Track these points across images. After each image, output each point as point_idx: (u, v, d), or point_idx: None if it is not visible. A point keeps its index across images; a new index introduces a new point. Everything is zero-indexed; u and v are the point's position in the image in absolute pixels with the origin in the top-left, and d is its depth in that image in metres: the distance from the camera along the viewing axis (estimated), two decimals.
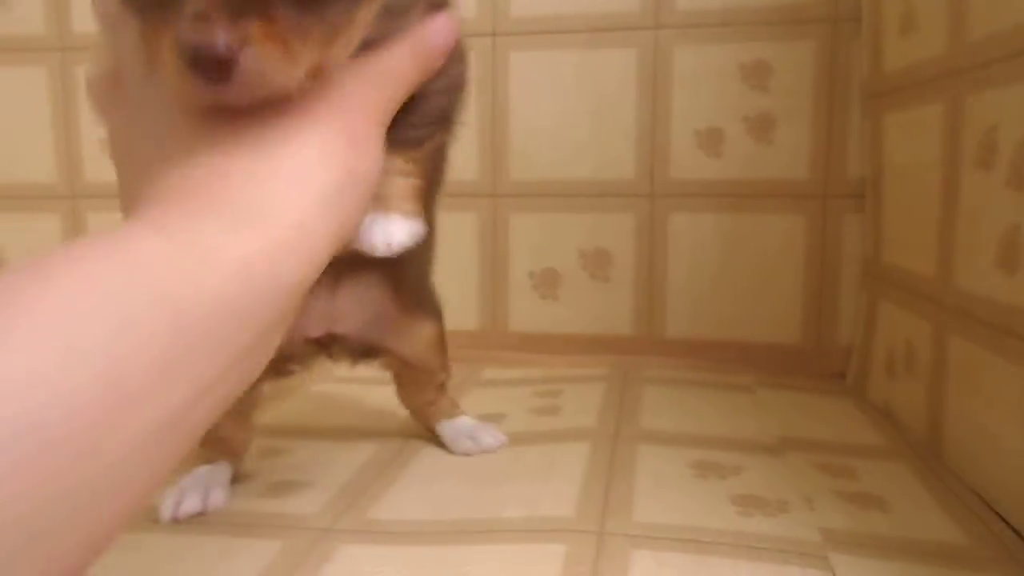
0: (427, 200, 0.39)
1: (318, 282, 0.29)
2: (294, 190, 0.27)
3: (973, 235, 0.49)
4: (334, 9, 0.26)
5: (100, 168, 0.86)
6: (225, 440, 0.46)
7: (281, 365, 0.46)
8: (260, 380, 0.32)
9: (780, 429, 0.57)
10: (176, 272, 0.23)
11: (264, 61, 0.24)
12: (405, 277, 0.47)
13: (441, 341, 0.52)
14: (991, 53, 0.47)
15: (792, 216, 0.74)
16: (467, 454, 0.52)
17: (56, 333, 0.20)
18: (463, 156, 0.75)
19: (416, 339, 0.49)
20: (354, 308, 0.45)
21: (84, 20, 0.84)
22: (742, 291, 0.76)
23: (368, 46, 0.30)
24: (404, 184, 0.35)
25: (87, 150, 0.86)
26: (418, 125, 0.34)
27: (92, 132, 0.86)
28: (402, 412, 0.56)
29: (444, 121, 0.37)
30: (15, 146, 0.88)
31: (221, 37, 0.23)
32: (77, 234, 0.87)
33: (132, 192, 0.28)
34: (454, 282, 0.65)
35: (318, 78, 0.27)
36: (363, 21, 0.28)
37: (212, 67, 0.24)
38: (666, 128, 0.75)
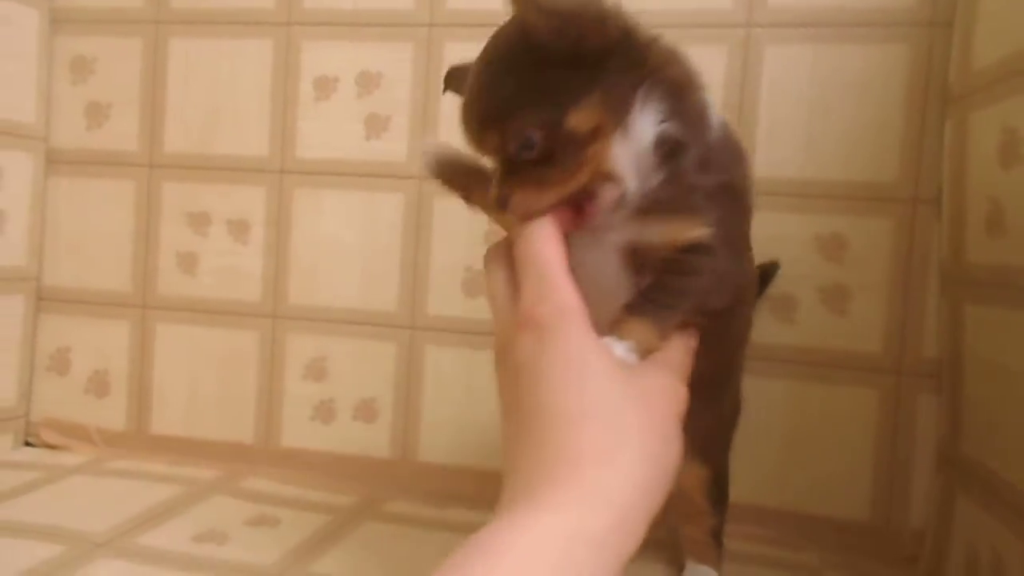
0: (726, 370, 0.55)
1: None
2: (626, 483, 0.36)
3: None
4: (560, 166, 0.41)
5: (172, 281, 0.88)
6: None
7: None
8: None
9: None
10: (557, 552, 0.32)
11: (521, 200, 0.42)
12: (694, 424, 0.52)
13: (713, 489, 0.58)
14: None
15: (864, 389, 0.73)
16: None
17: None
18: None
19: (686, 475, 0.54)
20: None
21: (173, 141, 0.88)
22: (810, 462, 0.74)
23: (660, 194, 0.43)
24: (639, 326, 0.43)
25: (164, 262, 0.89)
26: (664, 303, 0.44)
27: (170, 247, 0.88)
28: None
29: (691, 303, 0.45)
30: (94, 254, 0.90)
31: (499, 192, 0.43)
32: (144, 342, 0.89)
33: (515, 444, 0.39)
34: None
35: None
36: (592, 162, 0.42)
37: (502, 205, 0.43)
38: None
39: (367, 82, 0.84)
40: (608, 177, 0.42)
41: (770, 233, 0.75)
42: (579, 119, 0.40)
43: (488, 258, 0.46)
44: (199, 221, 0.88)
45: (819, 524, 0.74)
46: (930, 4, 0.71)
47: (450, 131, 0.80)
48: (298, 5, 0.85)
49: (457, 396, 0.83)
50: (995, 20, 0.62)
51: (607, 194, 0.43)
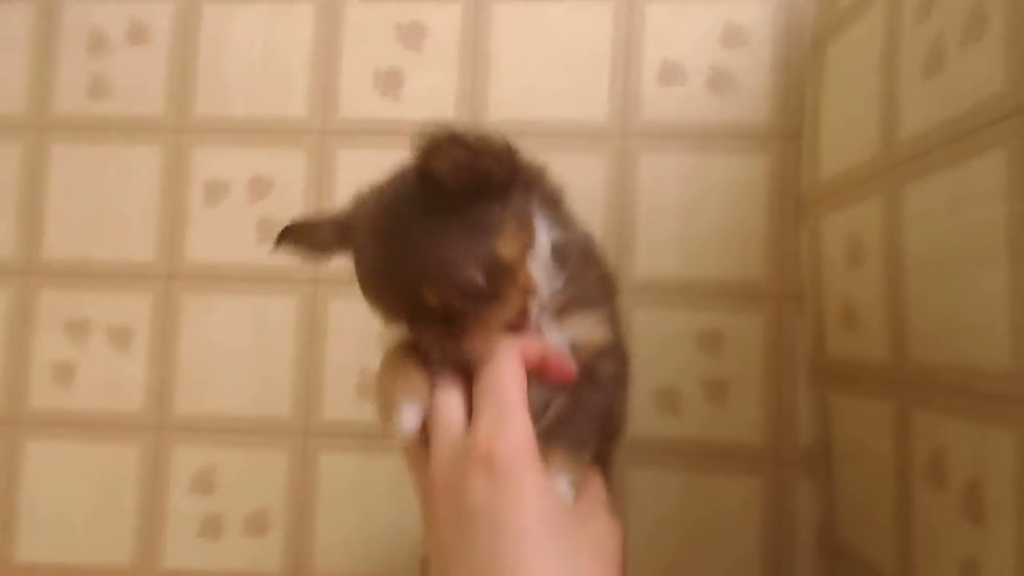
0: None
1: None
2: None
3: (931, 552, 0.51)
4: (502, 298, 0.42)
5: (46, 395, 0.84)
6: None
7: None
8: None
9: None
10: None
11: (479, 346, 0.43)
12: None
13: None
14: (935, 377, 0.51)
15: (749, 479, 0.76)
16: None
17: None
18: None
19: None
20: None
21: (53, 247, 0.85)
22: (703, 554, 0.76)
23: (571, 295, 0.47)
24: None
25: (37, 374, 0.84)
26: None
27: (45, 358, 0.84)
28: None
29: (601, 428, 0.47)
30: None
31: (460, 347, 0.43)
32: (11, 462, 0.82)
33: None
34: None
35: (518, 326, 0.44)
36: (523, 284, 0.43)
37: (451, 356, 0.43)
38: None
39: (259, 187, 0.84)
40: (528, 291, 0.44)
41: (654, 331, 0.79)
42: (506, 247, 0.41)
43: (440, 381, 0.43)
44: (78, 330, 0.84)
45: None
46: (783, 118, 0.79)
47: None
48: (188, 112, 0.86)
49: (353, 504, 0.81)
50: (835, 135, 0.69)
51: (532, 307, 0.45)
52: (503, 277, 0.41)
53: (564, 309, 0.46)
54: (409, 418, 0.42)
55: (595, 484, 0.45)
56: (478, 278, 0.40)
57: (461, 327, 0.42)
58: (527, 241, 0.43)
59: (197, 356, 0.83)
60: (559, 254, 0.46)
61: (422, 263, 0.40)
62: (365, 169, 0.82)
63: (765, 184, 0.79)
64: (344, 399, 0.81)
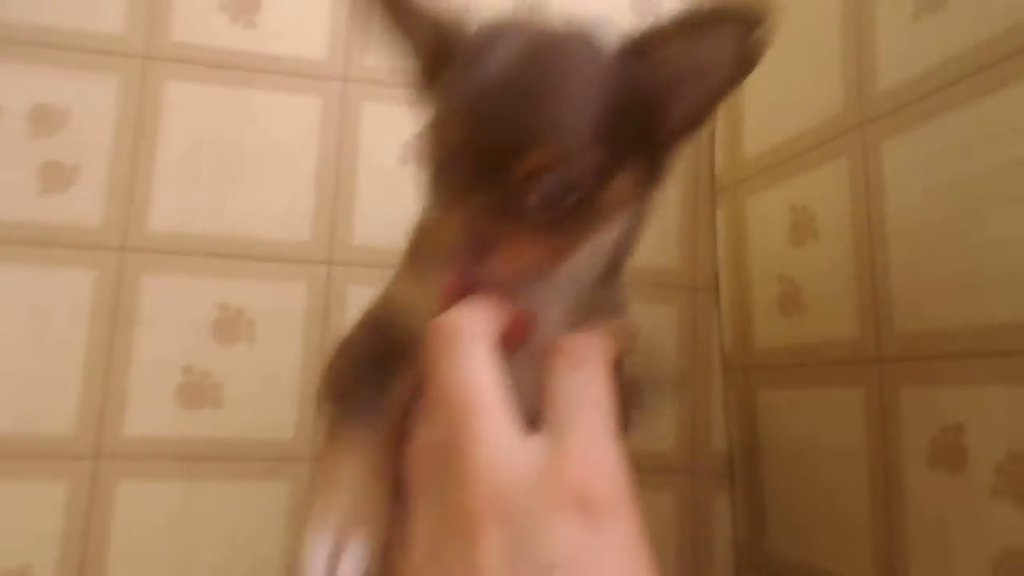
0: None
1: None
2: None
3: (940, 544, 0.44)
4: (569, 230, 0.32)
5: None
6: None
7: None
8: None
9: None
10: None
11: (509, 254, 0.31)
12: None
13: None
14: (937, 346, 0.45)
15: (661, 494, 0.67)
16: None
17: None
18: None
19: None
20: None
21: None
22: None
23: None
24: None
25: None
26: None
27: None
28: None
29: None
30: None
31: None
32: None
33: None
34: None
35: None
36: (584, 239, 0.33)
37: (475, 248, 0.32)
38: None
39: (46, 119, 0.62)
40: (590, 235, 0.34)
41: None
42: (619, 188, 0.32)
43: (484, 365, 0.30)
44: None
45: None
46: None
47: (168, 191, 0.63)
48: None
49: (163, 553, 0.59)
50: (763, 111, 0.65)
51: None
52: (588, 213, 0.32)
53: (583, 312, 0.35)
54: (315, 565, 0.30)
55: None
56: (584, 181, 0.31)
57: (511, 220, 0.31)
58: (634, 196, 0.34)
59: None
60: (620, 247, 0.36)
61: (556, 115, 0.30)
62: (201, 110, 0.65)
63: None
64: (157, 409, 0.60)
